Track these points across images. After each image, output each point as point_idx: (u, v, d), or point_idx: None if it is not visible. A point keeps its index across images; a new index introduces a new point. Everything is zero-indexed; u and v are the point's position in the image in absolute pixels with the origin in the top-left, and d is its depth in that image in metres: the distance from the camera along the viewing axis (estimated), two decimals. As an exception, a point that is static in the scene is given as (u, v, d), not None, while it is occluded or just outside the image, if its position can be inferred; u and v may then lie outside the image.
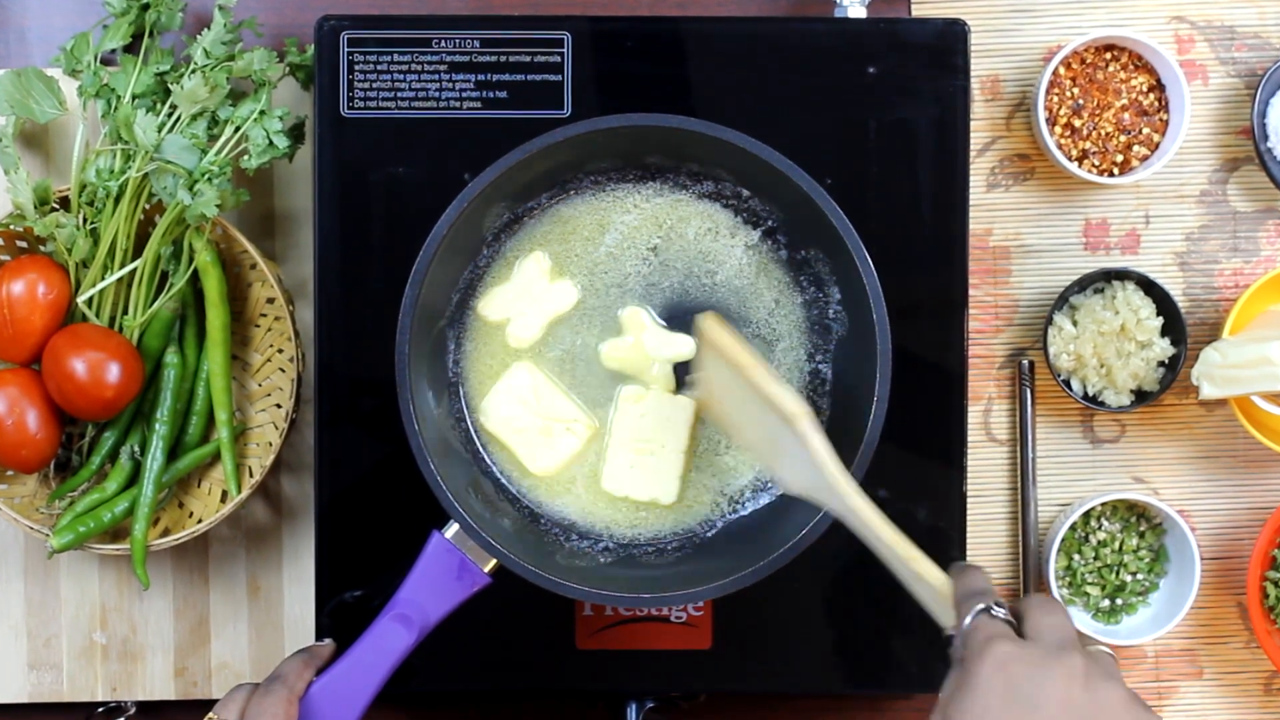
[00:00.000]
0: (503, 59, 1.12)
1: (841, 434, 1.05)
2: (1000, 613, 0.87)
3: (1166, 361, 1.22)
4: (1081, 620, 1.24)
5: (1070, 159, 1.22)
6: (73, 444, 1.20)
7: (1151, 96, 1.23)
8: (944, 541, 1.13)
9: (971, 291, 1.20)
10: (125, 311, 1.17)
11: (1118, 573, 1.24)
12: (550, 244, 1.10)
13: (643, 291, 1.10)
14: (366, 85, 1.12)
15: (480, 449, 1.09)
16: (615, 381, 1.10)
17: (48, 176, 1.20)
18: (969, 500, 1.14)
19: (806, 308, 1.10)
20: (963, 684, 0.84)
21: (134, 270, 1.16)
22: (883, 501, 1.07)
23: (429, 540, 1.02)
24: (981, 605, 0.87)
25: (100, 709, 1.23)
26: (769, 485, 1.09)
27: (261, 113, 1.14)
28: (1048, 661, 0.83)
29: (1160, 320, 1.21)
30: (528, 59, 1.12)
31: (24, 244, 1.19)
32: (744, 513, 1.10)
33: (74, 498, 1.19)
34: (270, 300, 1.19)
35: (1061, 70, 1.22)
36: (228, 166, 1.13)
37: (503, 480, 1.09)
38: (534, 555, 1.03)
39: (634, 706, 1.14)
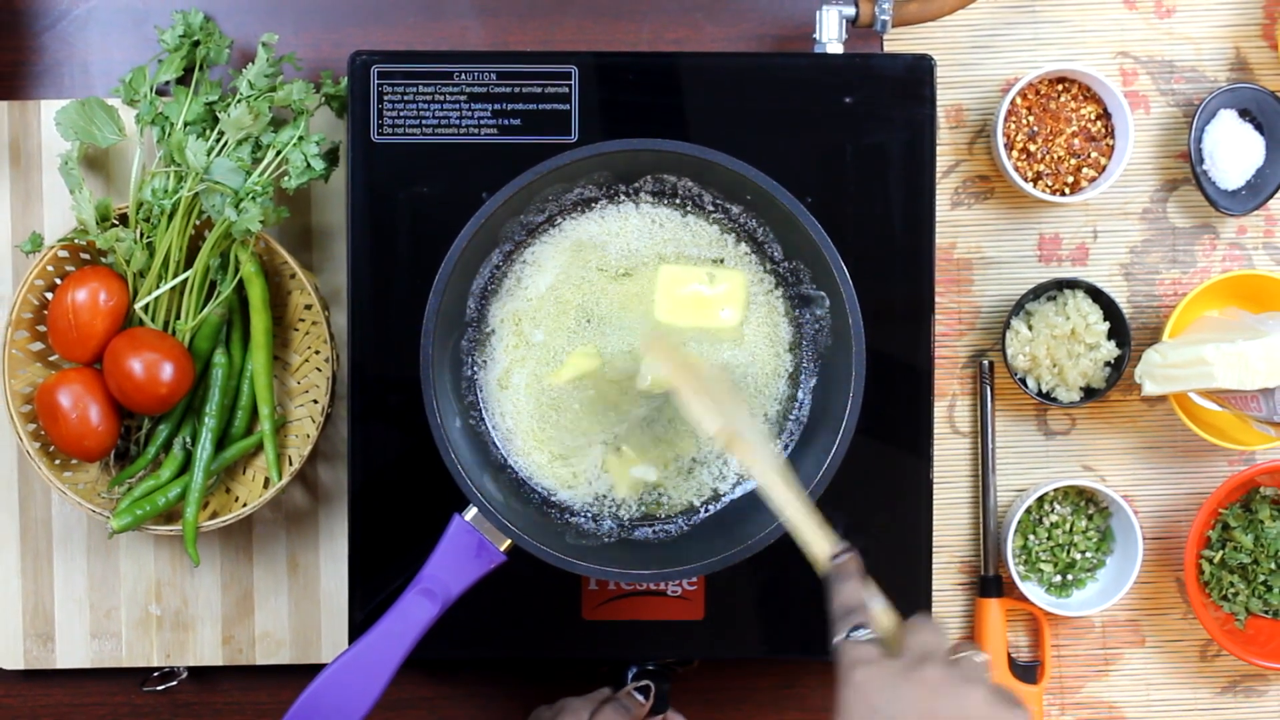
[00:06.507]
0: (516, 90, 1.14)
1: (820, 427, 1.08)
2: (862, 634, 0.89)
3: (1112, 362, 1.24)
4: (1035, 594, 1.26)
5: (1026, 180, 1.24)
6: (130, 436, 1.22)
7: (1099, 124, 1.25)
8: (913, 524, 1.15)
9: (937, 298, 1.23)
10: (178, 316, 1.19)
11: (1068, 551, 1.27)
12: (555, 256, 1.10)
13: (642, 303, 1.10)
14: (394, 113, 1.14)
15: (496, 441, 1.11)
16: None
17: (108, 195, 1.23)
18: (935, 486, 1.17)
19: (791, 312, 1.11)
20: (833, 708, 0.87)
21: (186, 280, 1.18)
22: (856, 488, 1.09)
23: (450, 522, 1.04)
24: (850, 626, 0.89)
25: (155, 673, 1.26)
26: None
27: (300, 138, 1.17)
28: (904, 677, 0.85)
29: (1107, 325, 1.24)
30: (539, 90, 1.14)
31: (87, 256, 1.21)
32: (734, 496, 1.11)
33: (132, 484, 1.21)
34: (308, 307, 1.21)
35: (1018, 100, 1.25)
36: (270, 186, 1.16)
37: (516, 469, 1.11)
38: (545, 536, 1.05)
39: (634, 671, 1.16)
